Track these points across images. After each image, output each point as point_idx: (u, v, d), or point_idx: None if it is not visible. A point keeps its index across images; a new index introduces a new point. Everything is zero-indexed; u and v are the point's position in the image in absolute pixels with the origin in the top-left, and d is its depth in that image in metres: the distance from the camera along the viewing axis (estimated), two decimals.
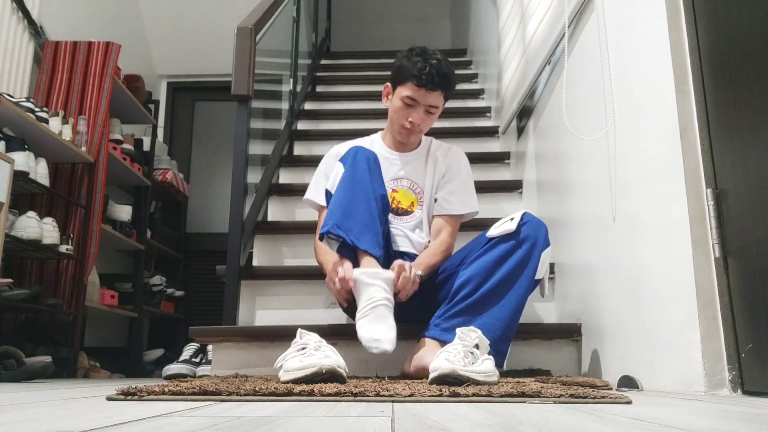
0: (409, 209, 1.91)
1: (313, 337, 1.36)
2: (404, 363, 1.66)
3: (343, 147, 1.97)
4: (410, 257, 1.85)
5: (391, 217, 1.89)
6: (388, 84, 1.90)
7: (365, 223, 1.62)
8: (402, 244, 1.88)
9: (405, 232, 1.89)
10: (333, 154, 1.98)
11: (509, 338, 1.60)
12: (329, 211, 1.68)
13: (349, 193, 1.66)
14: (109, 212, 3.41)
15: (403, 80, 1.82)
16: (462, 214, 1.92)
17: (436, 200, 1.93)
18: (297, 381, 1.23)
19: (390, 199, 1.90)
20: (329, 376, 1.24)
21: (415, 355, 1.60)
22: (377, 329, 1.49)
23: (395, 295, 1.60)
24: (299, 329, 1.41)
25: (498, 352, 1.49)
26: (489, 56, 3.67)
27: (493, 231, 1.65)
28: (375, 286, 1.54)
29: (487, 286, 1.58)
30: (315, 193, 1.95)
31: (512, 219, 1.64)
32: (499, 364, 1.50)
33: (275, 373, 1.82)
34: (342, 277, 1.59)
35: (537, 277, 1.64)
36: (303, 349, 1.33)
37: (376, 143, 2.00)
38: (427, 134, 2.01)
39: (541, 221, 1.67)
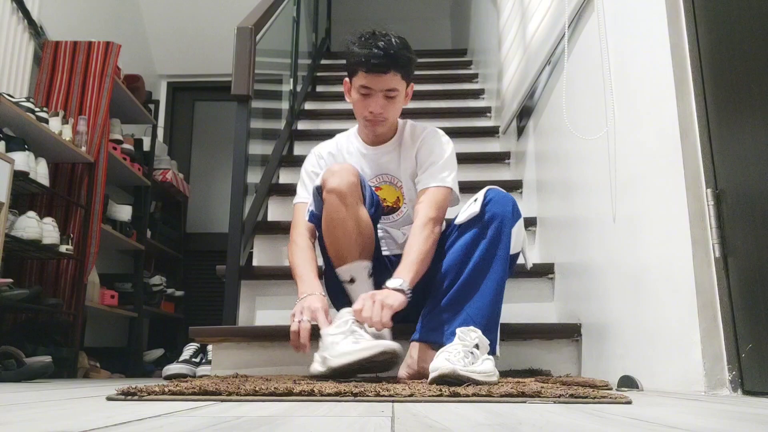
0: (394, 205, 1.85)
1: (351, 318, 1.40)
2: (399, 371, 1.63)
3: (324, 146, 1.92)
4: (395, 257, 1.80)
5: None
6: (346, 80, 1.79)
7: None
8: (386, 247, 1.84)
9: (390, 233, 1.84)
10: (315, 154, 1.92)
11: (496, 323, 1.57)
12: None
13: None
14: (109, 212, 3.41)
15: (354, 70, 1.71)
16: (437, 187, 1.73)
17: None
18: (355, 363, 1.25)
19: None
20: (391, 356, 1.25)
21: (408, 363, 1.57)
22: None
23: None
24: (344, 311, 1.44)
25: (488, 339, 1.48)
26: (489, 56, 3.67)
27: (461, 217, 1.60)
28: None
29: (463, 277, 1.55)
30: (303, 194, 1.87)
31: (476, 200, 1.58)
32: (491, 352, 1.49)
33: (275, 373, 1.82)
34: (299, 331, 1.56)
35: (513, 251, 1.60)
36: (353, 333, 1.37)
37: (352, 138, 1.91)
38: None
39: (507, 195, 1.60)
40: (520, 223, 1.63)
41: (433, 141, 1.81)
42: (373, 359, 1.21)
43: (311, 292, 1.62)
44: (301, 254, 1.74)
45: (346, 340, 1.27)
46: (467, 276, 1.55)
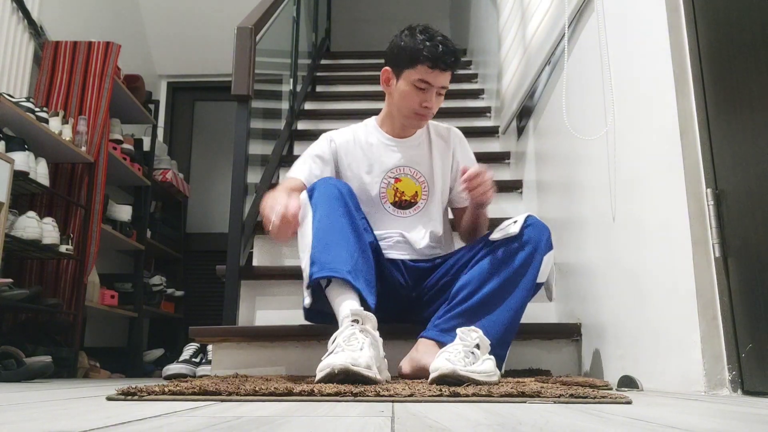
0: (411, 200, 1.82)
1: (349, 330, 1.29)
2: (401, 364, 1.65)
3: (338, 133, 1.89)
4: (413, 262, 1.78)
5: (392, 209, 1.82)
6: (389, 68, 1.77)
7: (356, 261, 1.50)
8: (402, 251, 1.79)
9: (406, 237, 1.79)
10: (326, 138, 1.88)
11: (508, 343, 1.57)
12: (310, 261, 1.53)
13: (331, 237, 1.52)
14: (109, 212, 3.41)
15: (413, 63, 1.70)
16: None
17: (451, 189, 1.89)
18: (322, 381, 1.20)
19: (392, 191, 1.83)
20: (344, 376, 1.18)
21: (412, 356, 1.59)
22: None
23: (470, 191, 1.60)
24: (350, 313, 1.34)
25: (496, 356, 1.45)
26: (489, 56, 3.67)
27: (496, 234, 1.63)
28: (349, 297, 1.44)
29: (486, 289, 1.55)
30: (296, 171, 1.83)
31: (515, 222, 1.61)
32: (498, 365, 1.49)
33: (275, 373, 1.82)
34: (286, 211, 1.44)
35: (539, 280, 1.62)
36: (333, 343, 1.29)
37: (371, 128, 1.90)
38: None
39: (544, 224, 1.64)
40: (551, 254, 1.64)
41: (465, 146, 1.94)
42: (328, 380, 1.18)
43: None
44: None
45: (335, 351, 1.25)
46: (491, 290, 1.56)
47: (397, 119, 1.84)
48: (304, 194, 1.61)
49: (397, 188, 1.83)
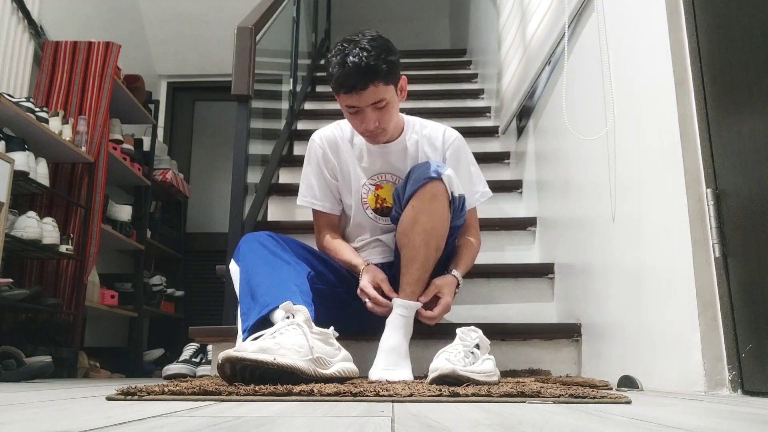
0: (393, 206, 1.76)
1: (278, 324, 1.27)
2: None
3: (323, 132, 1.85)
4: (388, 266, 1.76)
5: (373, 216, 1.80)
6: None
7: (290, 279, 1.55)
8: (382, 255, 1.80)
9: (382, 240, 1.79)
10: (317, 141, 1.84)
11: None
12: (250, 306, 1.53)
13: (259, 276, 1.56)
14: (109, 212, 3.41)
15: (335, 92, 1.64)
16: (475, 207, 1.86)
17: None
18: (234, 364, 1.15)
19: (374, 197, 1.80)
20: (230, 364, 1.14)
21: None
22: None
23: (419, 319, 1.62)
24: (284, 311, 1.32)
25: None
26: (489, 56, 3.67)
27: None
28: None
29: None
30: (306, 195, 1.85)
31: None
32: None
33: None
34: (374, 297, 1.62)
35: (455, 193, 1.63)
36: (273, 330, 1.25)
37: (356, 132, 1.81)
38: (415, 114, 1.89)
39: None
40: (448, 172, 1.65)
41: (458, 155, 1.83)
42: (222, 372, 1.18)
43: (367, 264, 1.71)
44: (336, 242, 1.79)
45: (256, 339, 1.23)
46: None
47: None
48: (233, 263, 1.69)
49: (378, 195, 1.80)
